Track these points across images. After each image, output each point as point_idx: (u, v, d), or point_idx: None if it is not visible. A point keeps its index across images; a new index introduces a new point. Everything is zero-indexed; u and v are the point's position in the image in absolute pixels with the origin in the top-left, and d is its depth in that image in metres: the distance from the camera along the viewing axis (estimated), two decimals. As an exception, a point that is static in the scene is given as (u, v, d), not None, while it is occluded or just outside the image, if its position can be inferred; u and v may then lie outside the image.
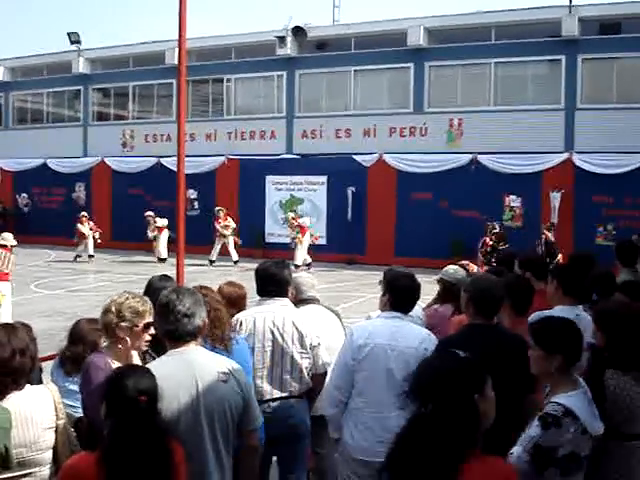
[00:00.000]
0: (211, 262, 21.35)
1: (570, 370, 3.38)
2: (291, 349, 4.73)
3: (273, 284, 4.89)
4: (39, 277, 18.88)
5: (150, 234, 22.33)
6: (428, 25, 23.06)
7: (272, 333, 4.73)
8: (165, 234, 22.16)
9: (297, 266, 19.91)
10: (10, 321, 11.27)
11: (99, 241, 22.67)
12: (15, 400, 3.43)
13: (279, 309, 4.84)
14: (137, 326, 3.79)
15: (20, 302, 14.76)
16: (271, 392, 4.70)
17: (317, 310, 5.46)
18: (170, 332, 3.48)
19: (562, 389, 3.34)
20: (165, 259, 21.76)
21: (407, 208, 21.41)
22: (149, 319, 3.80)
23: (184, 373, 3.38)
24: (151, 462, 2.97)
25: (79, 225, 22.63)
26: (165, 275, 5.28)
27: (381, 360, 4.23)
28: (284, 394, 4.74)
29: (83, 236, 22.29)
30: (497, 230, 17.91)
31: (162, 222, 22.14)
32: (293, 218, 21.23)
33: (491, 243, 17.15)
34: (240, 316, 4.84)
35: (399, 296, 4.49)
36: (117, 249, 22.56)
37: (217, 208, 22.04)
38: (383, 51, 23.61)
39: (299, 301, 5.37)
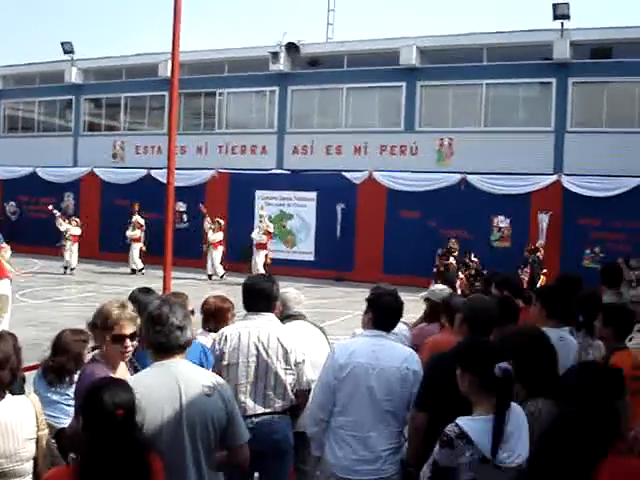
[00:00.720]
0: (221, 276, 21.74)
1: (487, 392, 3.34)
2: (275, 365, 4.71)
3: (260, 299, 4.86)
4: (25, 286, 18.75)
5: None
6: (421, 45, 23.20)
7: (257, 348, 4.71)
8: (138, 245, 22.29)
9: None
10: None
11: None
12: None
13: (265, 324, 4.81)
14: (121, 334, 3.78)
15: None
16: (254, 408, 4.68)
17: (303, 326, 5.44)
18: (161, 344, 3.47)
19: (476, 410, 3.36)
20: (141, 269, 22.01)
21: (396, 226, 21.45)
22: (133, 329, 3.79)
23: (169, 385, 3.37)
24: (128, 476, 2.95)
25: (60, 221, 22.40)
26: (146, 288, 5.27)
27: (362, 379, 4.21)
28: (267, 410, 4.72)
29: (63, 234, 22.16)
30: (451, 245, 17.97)
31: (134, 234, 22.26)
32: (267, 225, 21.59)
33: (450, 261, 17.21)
34: (225, 330, 4.83)
35: (381, 314, 4.47)
36: (104, 260, 22.47)
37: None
38: (375, 69, 23.74)
39: (285, 317, 5.37)
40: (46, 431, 3.73)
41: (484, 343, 3.69)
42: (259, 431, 4.54)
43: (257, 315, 4.84)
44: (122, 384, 3.18)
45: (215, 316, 5.58)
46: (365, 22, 59.64)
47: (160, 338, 3.46)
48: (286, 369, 4.75)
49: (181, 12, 5.93)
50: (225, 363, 4.65)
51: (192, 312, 4.51)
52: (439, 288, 6.31)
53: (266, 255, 20.91)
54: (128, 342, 3.80)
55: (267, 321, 4.84)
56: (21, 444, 3.44)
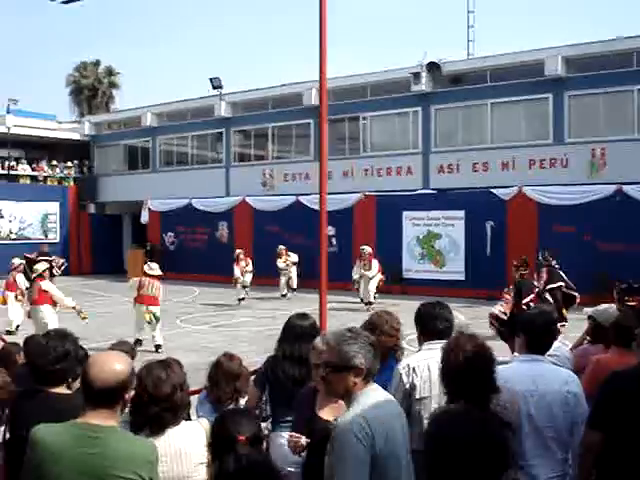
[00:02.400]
0: (283, 296, 22.46)
1: None
2: None
3: (440, 325, 4.66)
4: (185, 312, 19.57)
5: (281, 264, 22.67)
6: (566, 54, 22.52)
7: None
8: (295, 270, 22.61)
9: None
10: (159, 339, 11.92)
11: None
12: (171, 435, 3.53)
13: None
14: None
15: (166, 336, 15.38)
16: None
17: None
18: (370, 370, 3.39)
19: None
20: (285, 294, 22.55)
21: (549, 242, 20.70)
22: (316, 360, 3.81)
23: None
24: None
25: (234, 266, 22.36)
26: (303, 313, 5.38)
27: (521, 407, 4.01)
28: None
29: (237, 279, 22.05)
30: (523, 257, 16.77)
31: (294, 258, 22.58)
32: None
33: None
34: (411, 362, 4.56)
35: (535, 336, 4.27)
36: (259, 285, 23.04)
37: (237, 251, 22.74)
38: (520, 82, 23.27)
39: None
40: None
41: None
42: None
43: (438, 343, 4.48)
44: (248, 415, 3.25)
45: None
46: (505, 36, 58.73)
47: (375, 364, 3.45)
48: None
49: (326, 41, 6.05)
50: (417, 397, 4.39)
51: None
52: (604, 307, 5.98)
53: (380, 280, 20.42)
54: (321, 371, 3.62)
55: None
56: (193, 468, 3.52)
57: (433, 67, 24.75)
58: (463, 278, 22.11)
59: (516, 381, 4.06)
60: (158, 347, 13.94)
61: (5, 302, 16.13)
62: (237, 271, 21.82)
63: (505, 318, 12.97)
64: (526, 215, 21.18)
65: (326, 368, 3.34)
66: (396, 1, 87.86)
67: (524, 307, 12.74)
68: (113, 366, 3.01)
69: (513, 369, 4.27)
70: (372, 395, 3.31)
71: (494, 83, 24.20)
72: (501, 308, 13.38)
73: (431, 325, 4.66)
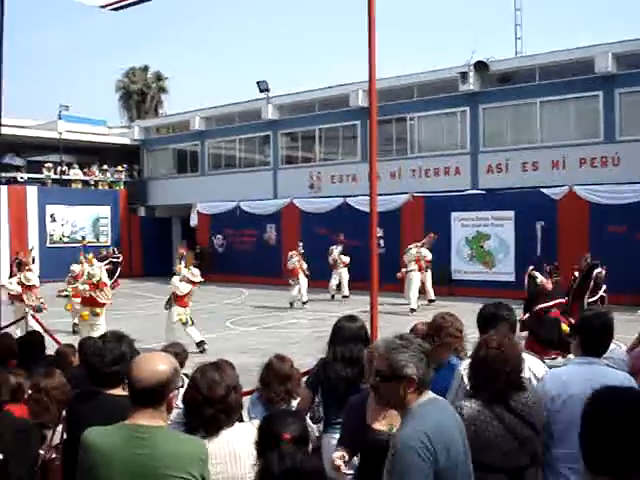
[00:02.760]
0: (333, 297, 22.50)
1: None
2: None
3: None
4: (233, 314, 19.72)
5: (332, 259, 22.70)
6: (616, 51, 22.13)
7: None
8: (346, 271, 22.55)
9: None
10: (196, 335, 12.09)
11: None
12: (225, 436, 3.56)
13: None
14: None
15: (216, 338, 15.53)
16: None
17: None
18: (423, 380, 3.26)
19: None
20: (347, 296, 22.26)
21: (601, 242, 20.37)
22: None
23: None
24: None
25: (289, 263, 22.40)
26: (352, 316, 5.40)
27: (577, 412, 3.78)
28: None
29: (294, 272, 21.88)
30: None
31: (346, 259, 22.52)
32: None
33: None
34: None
35: (590, 338, 4.17)
36: (309, 287, 23.07)
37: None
38: (569, 80, 22.94)
39: None
40: None
41: None
42: None
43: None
44: (296, 415, 3.27)
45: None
46: (554, 33, 58.00)
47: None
48: None
49: (375, 42, 6.03)
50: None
51: None
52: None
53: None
54: (373, 379, 3.46)
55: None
56: (248, 469, 3.53)
57: (481, 66, 24.54)
58: (513, 279, 21.82)
59: (572, 384, 3.98)
60: (200, 344, 14.04)
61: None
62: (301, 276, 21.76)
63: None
64: (577, 215, 20.86)
65: (376, 377, 3.27)
66: (442, 1, 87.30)
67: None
68: (154, 366, 3.05)
69: (569, 371, 4.19)
70: (430, 407, 3.20)
71: (543, 81, 23.89)
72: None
73: (492, 326, 4.60)
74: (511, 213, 22.24)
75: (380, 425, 3.88)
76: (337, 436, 4.49)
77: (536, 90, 23.84)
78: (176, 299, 14.55)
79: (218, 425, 3.57)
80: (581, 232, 20.76)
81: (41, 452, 4.05)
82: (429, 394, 3.25)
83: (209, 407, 3.56)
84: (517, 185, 23.04)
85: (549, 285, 13.95)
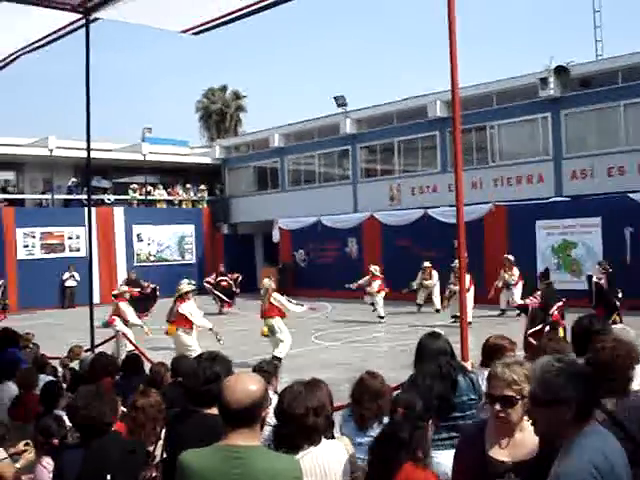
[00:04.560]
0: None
1: None
2: None
3: None
4: (318, 329, 19.80)
5: (421, 282, 22.64)
6: None
7: None
8: (437, 288, 22.43)
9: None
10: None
11: None
12: (312, 454, 3.62)
13: None
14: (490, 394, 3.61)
15: (302, 353, 15.62)
16: None
17: None
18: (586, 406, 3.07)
19: None
20: (438, 310, 22.09)
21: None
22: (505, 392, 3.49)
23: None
24: None
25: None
26: (434, 332, 5.36)
27: None
28: None
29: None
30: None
31: (435, 278, 22.43)
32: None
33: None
34: None
35: None
36: (389, 300, 23.03)
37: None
38: (654, 82, 22.28)
39: None
40: (359, 473, 3.89)
41: None
42: None
43: None
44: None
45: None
46: (634, 33, 56.51)
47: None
48: None
49: (456, 52, 6.01)
50: None
51: None
52: None
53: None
54: (497, 406, 3.42)
55: None
56: None
57: (561, 71, 24.08)
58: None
59: None
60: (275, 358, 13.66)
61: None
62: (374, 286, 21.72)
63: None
64: (667, 219, 20.18)
65: (531, 403, 3.07)
66: (518, 6, 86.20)
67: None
68: (246, 387, 3.10)
69: None
70: (594, 436, 2.96)
71: (626, 83, 23.26)
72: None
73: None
74: (598, 220, 21.65)
75: (502, 455, 3.49)
76: (439, 453, 4.46)
77: (619, 93, 23.23)
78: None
79: (295, 444, 3.64)
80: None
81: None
82: (593, 423, 3.02)
83: (287, 425, 3.66)
84: (603, 190, 22.44)
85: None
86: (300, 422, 3.65)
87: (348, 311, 23.32)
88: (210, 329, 13.65)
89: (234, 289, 25.78)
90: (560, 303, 13.22)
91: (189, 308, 13.88)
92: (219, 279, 25.84)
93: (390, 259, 25.91)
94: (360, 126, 31.19)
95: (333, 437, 4.13)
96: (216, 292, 25.51)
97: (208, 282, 25.99)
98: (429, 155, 28.64)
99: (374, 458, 3.59)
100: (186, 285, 14.34)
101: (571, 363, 3.09)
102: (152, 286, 22.83)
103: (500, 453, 3.47)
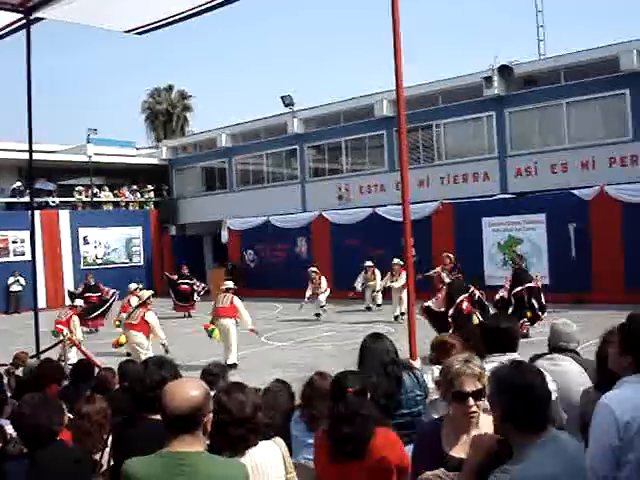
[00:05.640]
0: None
1: None
2: None
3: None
4: (268, 329, 19.73)
5: (364, 282, 22.82)
6: (640, 47, 21.91)
7: None
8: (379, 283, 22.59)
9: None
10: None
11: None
12: (251, 454, 3.68)
13: None
14: (460, 392, 3.61)
15: (252, 354, 15.58)
16: None
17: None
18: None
19: None
20: (369, 307, 22.77)
21: (636, 241, 20.16)
22: (475, 386, 3.52)
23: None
24: None
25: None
26: (376, 334, 5.38)
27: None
28: None
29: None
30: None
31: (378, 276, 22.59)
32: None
33: None
34: None
35: None
36: (338, 299, 23.08)
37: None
38: (595, 80, 22.72)
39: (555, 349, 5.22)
40: (294, 474, 3.99)
41: None
42: None
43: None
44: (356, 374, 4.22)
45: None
46: (576, 32, 57.69)
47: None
48: None
49: (401, 52, 6.05)
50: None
51: None
52: None
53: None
54: (471, 401, 3.42)
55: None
56: None
57: (505, 70, 24.42)
58: (547, 282, 21.65)
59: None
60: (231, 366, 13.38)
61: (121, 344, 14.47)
62: (309, 291, 22.06)
63: (438, 311, 13.87)
64: (610, 215, 20.64)
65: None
66: (462, 6, 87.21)
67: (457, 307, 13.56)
68: (185, 393, 3.05)
69: (636, 393, 3.65)
70: (545, 449, 2.93)
71: (568, 82, 23.71)
72: (434, 302, 14.15)
73: None
74: (542, 216, 22.04)
75: (460, 453, 3.45)
76: None
77: (562, 91, 23.67)
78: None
79: (246, 445, 3.66)
80: (614, 232, 20.54)
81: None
82: (549, 434, 2.98)
83: (239, 427, 3.64)
84: (547, 187, 22.84)
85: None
86: (252, 422, 3.69)
87: (297, 311, 23.30)
88: (163, 344, 13.56)
89: (194, 298, 25.41)
90: (466, 294, 13.85)
91: (154, 319, 13.89)
92: (180, 281, 25.62)
93: (339, 258, 26.02)
94: (308, 126, 31.21)
95: (271, 437, 4.11)
96: (171, 292, 25.49)
97: (168, 277, 25.90)
98: (376, 154, 28.79)
99: (344, 439, 3.88)
100: (147, 291, 14.66)
101: (503, 374, 3.08)
102: (112, 291, 22.47)
103: (458, 450, 3.49)
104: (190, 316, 24.30)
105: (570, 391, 4.85)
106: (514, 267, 17.14)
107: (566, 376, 4.98)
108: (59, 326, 15.10)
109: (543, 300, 15.99)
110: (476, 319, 13.28)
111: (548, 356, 5.26)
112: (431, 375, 5.29)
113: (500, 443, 3.09)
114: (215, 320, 14.67)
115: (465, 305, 13.63)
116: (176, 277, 26.02)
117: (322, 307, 21.90)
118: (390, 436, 3.97)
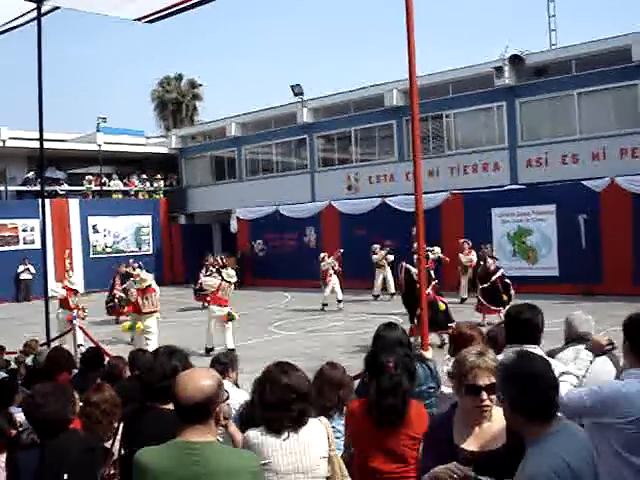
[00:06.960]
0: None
1: None
2: None
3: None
4: (277, 319, 19.77)
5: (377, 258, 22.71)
6: (654, 37, 21.74)
7: None
8: (390, 271, 22.42)
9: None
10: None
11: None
12: (304, 430, 3.81)
13: None
14: (474, 385, 3.55)
15: (261, 343, 15.62)
16: None
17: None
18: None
19: None
20: (377, 296, 22.77)
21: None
22: (489, 380, 3.42)
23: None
24: None
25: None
26: (391, 322, 5.36)
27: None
28: None
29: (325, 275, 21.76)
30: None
31: (390, 257, 22.40)
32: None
33: None
34: None
35: None
36: (348, 289, 23.07)
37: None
38: (606, 70, 22.58)
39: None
40: (337, 452, 4.06)
41: None
42: None
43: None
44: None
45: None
46: (588, 22, 57.27)
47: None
48: None
49: (414, 40, 6.01)
50: None
51: None
52: None
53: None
54: (484, 395, 3.35)
55: None
56: (316, 462, 3.77)
57: (516, 60, 24.30)
58: (557, 274, 21.59)
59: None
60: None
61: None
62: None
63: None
64: (620, 206, 20.51)
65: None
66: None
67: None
68: (198, 382, 3.06)
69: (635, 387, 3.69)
70: (557, 439, 2.93)
71: (580, 72, 23.56)
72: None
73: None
74: (552, 207, 21.92)
75: (471, 446, 3.40)
76: None
77: (573, 82, 23.54)
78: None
79: (306, 418, 3.82)
80: (624, 223, 20.43)
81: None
82: (559, 423, 2.99)
83: (302, 402, 3.80)
84: (557, 178, 22.74)
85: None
86: (310, 396, 3.91)
87: (307, 300, 23.31)
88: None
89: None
90: (434, 283, 14.61)
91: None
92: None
93: (348, 247, 25.98)
94: (317, 115, 31.15)
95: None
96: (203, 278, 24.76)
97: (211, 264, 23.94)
98: (386, 144, 28.71)
99: (388, 409, 4.02)
100: (150, 275, 14.79)
101: (510, 363, 3.07)
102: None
103: (469, 443, 3.42)
104: (206, 307, 24.15)
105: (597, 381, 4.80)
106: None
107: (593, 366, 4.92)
108: (69, 312, 15.06)
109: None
110: (442, 305, 14.04)
111: (574, 347, 5.07)
112: (446, 367, 5.26)
113: (511, 435, 3.11)
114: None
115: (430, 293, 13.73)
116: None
117: (339, 301, 21.57)
118: (421, 408, 4.25)
